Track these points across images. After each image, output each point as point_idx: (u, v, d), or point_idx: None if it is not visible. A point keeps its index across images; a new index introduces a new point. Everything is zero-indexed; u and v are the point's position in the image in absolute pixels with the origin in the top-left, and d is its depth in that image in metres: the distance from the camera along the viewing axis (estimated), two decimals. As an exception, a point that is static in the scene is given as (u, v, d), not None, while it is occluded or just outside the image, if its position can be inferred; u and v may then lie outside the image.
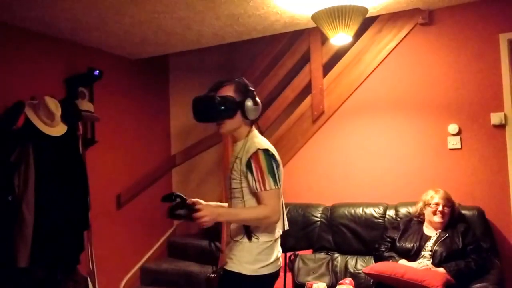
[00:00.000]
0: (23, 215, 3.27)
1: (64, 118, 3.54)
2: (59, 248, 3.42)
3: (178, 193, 2.23)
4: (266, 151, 2.17)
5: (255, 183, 2.13)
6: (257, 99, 2.28)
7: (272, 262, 2.22)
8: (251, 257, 2.18)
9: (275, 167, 2.16)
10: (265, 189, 2.12)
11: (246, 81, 2.32)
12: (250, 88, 2.29)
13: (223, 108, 2.21)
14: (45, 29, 3.86)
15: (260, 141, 2.24)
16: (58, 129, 3.49)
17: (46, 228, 3.33)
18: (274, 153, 2.21)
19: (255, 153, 2.15)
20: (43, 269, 3.45)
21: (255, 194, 2.17)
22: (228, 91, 2.25)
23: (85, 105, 4.02)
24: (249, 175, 2.16)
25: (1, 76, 3.41)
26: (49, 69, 4.01)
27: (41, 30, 3.89)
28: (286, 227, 2.32)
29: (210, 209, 2.15)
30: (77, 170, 3.67)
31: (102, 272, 4.09)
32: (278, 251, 2.29)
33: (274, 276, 2.27)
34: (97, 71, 4.10)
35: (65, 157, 3.57)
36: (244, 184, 2.19)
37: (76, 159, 3.70)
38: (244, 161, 2.18)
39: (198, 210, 2.10)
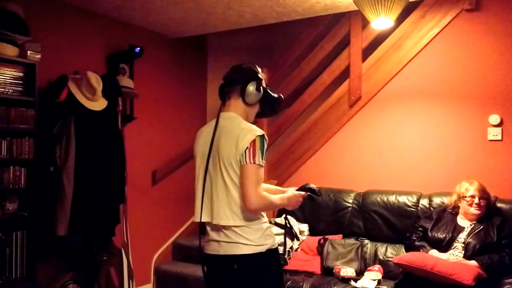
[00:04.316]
0: (63, 186, 3.38)
1: (105, 94, 3.62)
2: (95, 220, 3.53)
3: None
4: None
5: None
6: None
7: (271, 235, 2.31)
8: (261, 234, 2.22)
9: None
10: None
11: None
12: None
13: None
14: (90, 6, 3.94)
15: None
16: (99, 104, 3.58)
17: (84, 199, 3.44)
18: None
19: None
20: (80, 239, 3.58)
21: None
22: None
23: (126, 81, 4.10)
24: None
25: (46, 50, 3.51)
26: (92, 45, 4.10)
27: (86, 7, 3.97)
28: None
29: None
30: (115, 145, 3.76)
31: (135, 245, 4.21)
32: None
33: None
34: (138, 49, 4.17)
35: (104, 132, 3.66)
36: None
37: (115, 134, 3.79)
38: None
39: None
